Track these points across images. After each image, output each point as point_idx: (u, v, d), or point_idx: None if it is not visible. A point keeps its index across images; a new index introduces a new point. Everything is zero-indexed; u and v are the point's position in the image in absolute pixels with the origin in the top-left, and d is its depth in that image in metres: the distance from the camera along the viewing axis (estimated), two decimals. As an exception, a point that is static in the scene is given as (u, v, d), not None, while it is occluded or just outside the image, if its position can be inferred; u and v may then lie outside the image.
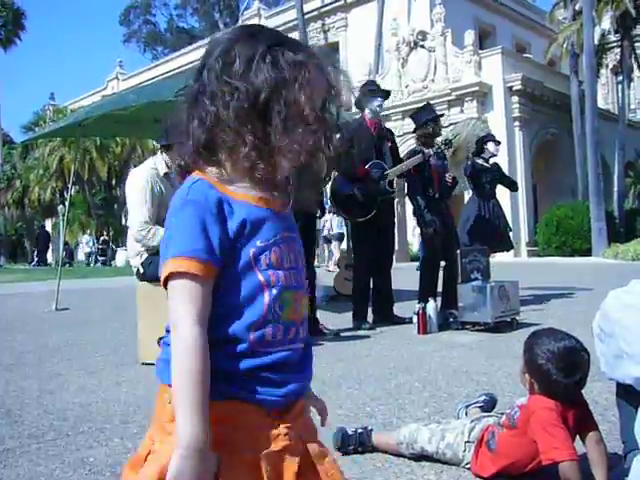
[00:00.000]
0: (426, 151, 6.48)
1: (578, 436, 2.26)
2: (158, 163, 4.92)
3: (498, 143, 8.13)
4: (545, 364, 2.24)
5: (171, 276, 1.11)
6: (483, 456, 2.39)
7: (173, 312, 1.11)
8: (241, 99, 1.11)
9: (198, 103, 1.16)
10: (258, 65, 1.12)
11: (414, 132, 7.00)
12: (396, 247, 7.25)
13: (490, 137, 8.09)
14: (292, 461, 1.14)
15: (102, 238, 32.69)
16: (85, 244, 33.08)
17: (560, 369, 2.21)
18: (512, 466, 2.31)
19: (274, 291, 1.15)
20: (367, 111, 6.52)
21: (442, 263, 6.76)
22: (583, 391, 2.33)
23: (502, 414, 2.48)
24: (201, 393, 1.06)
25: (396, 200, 7.14)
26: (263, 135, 1.12)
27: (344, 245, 15.50)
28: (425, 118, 6.78)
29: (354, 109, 6.90)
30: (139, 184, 4.81)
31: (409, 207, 15.62)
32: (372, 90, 6.67)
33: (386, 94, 6.86)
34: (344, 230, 18.35)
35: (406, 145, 22.43)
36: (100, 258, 31.42)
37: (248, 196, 1.16)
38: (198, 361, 1.07)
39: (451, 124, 9.53)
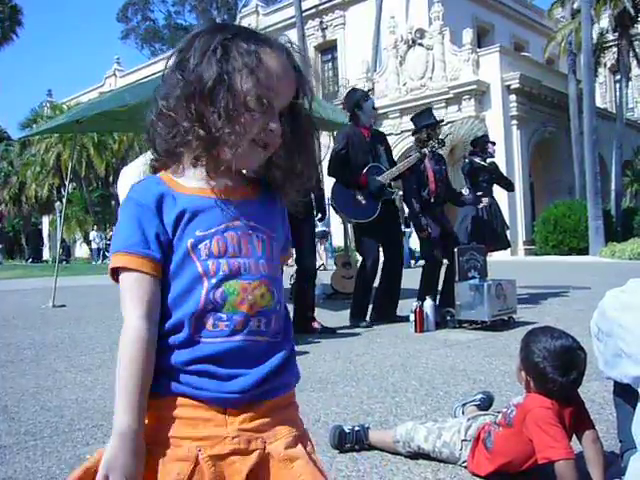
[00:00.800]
0: (422, 151, 6.48)
1: (575, 435, 2.27)
2: (149, 160, 4.94)
3: (493, 144, 8.16)
4: (541, 362, 2.24)
5: (116, 271, 1.14)
6: (480, 454, 2.40)
7: (122, 306, 1.13)
8: (186, 91, 1.13)
9: (155, 101, 1.18)
10: (209, 58, 1.12)
11: (413, 134, 7.03)
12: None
13: (486, 139, 8.10)
14: (241, 467, 1.10)
15: (111, 234, 32.65)
16: (93, 240, 33.07)
17: (556, 368, 2.21)
18: (508, 465, 2.31)
19: (213, 280, 1.13)
20: (362, 118, 6.49)
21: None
22: (580, 390, 2.33)
23: (499, 413, 2.48)
24: (137, 384, 1.08)
25: (397, 197, 7.14)
26: (209, 126, 1.12)
27: (340, 242, 15.46)
28: (422, 124, 6.81)
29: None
30: (133, 177, 4.82)
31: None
32: (364, 93, 6.75)
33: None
34: (328, 228, 18.34)
35: (404, 143, 22.54)
36: (107, 254, 31.43)
37: (193, 188, 1.17)
38: (136, 352, 1.08)
39: (449, 122, 9.48)
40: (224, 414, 1.12)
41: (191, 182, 1.18)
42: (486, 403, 2.95)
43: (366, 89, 24.95)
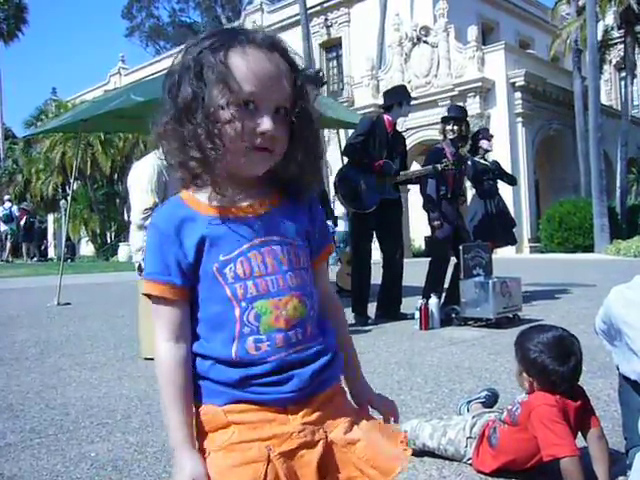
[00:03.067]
0: (436, 166, 6.52)
1: (580, 432, 2.27)
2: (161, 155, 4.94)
3: (491, 137, 8.13)
4: (539, 356, 2.26)
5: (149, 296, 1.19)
6: (484, 452, 2.39)
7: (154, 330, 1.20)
8: (171, 113, 1.14)
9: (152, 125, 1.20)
10: (184, 77, 1.13)
11: (442, 121, 7.14)
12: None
13: (482, 134, 8.09)
14: (310, 458, 1.14)
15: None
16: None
17: (554, 358, 2.24)
18: (513, 462, 2.31)
19: (243, 304, 1.14)
20: (394, 112, 6.59)
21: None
22: (585, 387, 2.33)
23: (504, 410, 2.48)
24: (176, 402, 1.14)
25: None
26: (199, 146, 1.12)
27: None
28: (449, 116, 7.02)
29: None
30: (145, 172, 4.81)
31: (412, 203, 15.65)
32: (410, 96, 6.91)
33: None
34: (334, 229, 18.26)
35: (409, 141, 22.50)
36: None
37: (214, 207, 1.17)
38: (168, 374, 1.15)
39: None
40: (285, 413, 1.16)
41: (212, 199, 1.17)
42: (491, 400, 2.95)
43: (370, 87, 25.09)
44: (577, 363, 2.26)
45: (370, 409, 1.32)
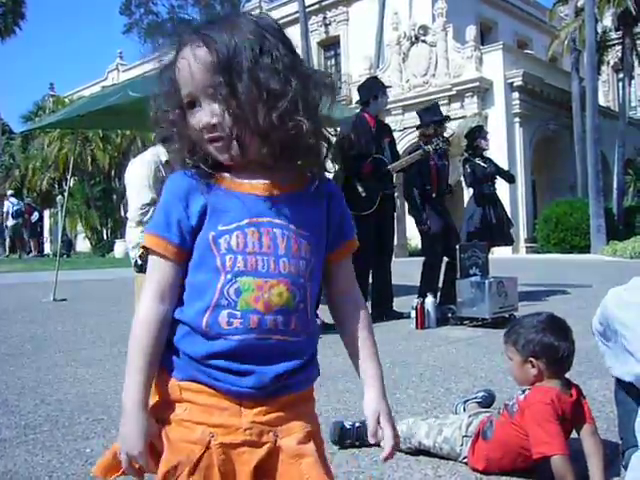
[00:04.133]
0: (425, 148, 6.48)
1: (574, 429, 2.28)
2: (159, 151, 4.93)
3: (486, 133, 8.02)
4: (544, 335, 2.32)
5: (147, 251, 1.20)
6: (479, 449, 2.40)
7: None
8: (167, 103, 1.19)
9: None
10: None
11: (417, 128, 7.07)
12: (395, 242, 7.22)
13: (479, 133, 8.00)
14: (250, 458, 1.13)
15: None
16: None
17: (557, 334, 2.32)
18: (506, 454, 2.31)
19: (229, 276, 1.14)
20: (372, 107, 6.55)
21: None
22: (582, 387, 2.34)
23: (501, 408, 2.48)
24: (143, 362, 1.14)
25: (396, 194, 7.14)
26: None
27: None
28: (429, 119, 6.89)
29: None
30: (143, 169, 4.81)
31: (408, 202, 15.63)
32: (383, 87, 6.80)
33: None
34: None
35: (406, 140, 22.51)
36: None
37: (222, 180, 1.18)
38: (144, 332, 1.15)
39: (451, 120, 9.43)
40: (239, 405, 1.15)
41: (224, 175, 1.18)
42: (488, 401, 2.95)
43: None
44: (573, 341, 2.34)
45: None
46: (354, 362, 1.30)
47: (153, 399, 1.18)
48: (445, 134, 6.98)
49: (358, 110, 6.78)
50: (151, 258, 1.19)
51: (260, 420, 1.14)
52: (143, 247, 1.23)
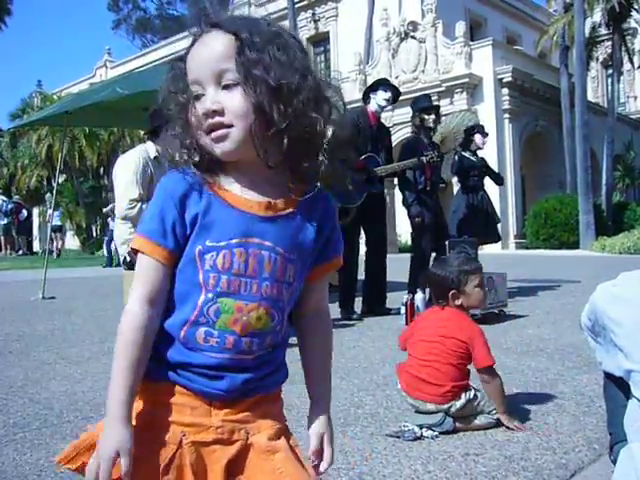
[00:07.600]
0: (421, 159, 6.51)
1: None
2: (148, 148, 4.91)
3: (486, 135, 8.03)
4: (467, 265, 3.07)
5: (136, 252, 1.17)
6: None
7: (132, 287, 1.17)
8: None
9: None
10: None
11: (411, 121, 7.14)
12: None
13: (478, 129, 8.03)
14: (221, 455, 1.14)
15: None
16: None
17: (470, 262, 3.11)
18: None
19: (210, 295, 1.13)
20: (372, 102, 6.56)
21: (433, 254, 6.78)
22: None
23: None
24: (127, 365, 1.10)
25: (385, 191, 7.15)
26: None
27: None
28: (417, 107, 6.94)
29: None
30: (131, 164, 4.78)
31: (398, 198, 15.61)
32: (385, 83, 6.79)
33: (397, 93, 6.81)
34: None
35: (396, 136, 22.51)
36: None
37: (218, 188, 1.15)
38: (129, 335, 1.12)
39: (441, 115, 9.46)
40: (209, 405, 1.15)
41: (226, 185, 1.16)
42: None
43: (358, 82, 25.05)
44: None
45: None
46: (306, 376, 1.30)
47: None
48: (434, 139, 7.09)
49: (361, 105, 6.81)
50: (142, 260, 1.15)
51: (230, 419, 1.15)
52: (133, 249, 1.19)
